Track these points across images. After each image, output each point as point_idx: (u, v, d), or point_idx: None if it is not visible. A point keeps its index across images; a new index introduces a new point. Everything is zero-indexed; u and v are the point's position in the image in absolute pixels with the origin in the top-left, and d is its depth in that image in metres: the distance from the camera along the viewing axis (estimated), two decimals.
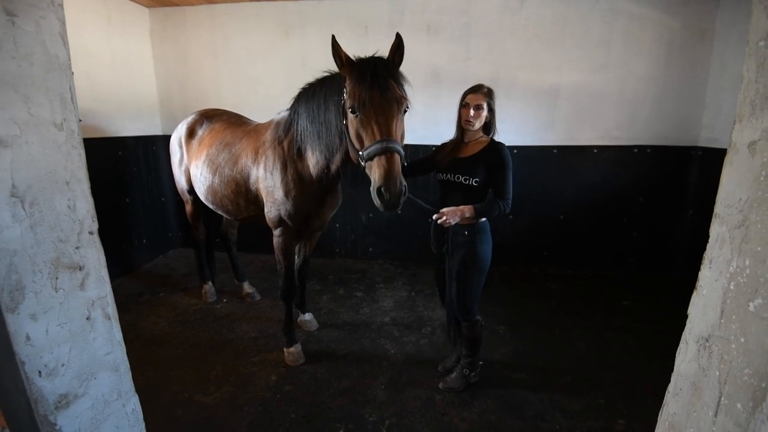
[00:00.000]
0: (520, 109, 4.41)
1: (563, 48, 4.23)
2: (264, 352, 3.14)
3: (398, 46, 2.10)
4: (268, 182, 2.76)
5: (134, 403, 1.35)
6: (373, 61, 2.09)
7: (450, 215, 2.25)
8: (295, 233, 2.87)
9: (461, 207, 2.27)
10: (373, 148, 2.00)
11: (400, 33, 2.10)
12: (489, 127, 2.40)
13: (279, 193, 2.71)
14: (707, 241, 0.96)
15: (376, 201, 2.02)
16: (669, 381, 1.09)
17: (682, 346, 1.03)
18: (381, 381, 2.82)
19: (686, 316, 1.03)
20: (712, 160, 4.15)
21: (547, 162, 4.52)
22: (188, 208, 3.81)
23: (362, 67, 2.07)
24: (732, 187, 0.87)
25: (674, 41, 4.11)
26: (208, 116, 3.53)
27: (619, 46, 4.17)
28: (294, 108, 2.63)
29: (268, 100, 4.69)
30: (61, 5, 1.01)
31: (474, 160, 2.35)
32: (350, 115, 2.12)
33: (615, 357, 3.09)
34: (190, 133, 3.48)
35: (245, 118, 3.59)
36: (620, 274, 4.64)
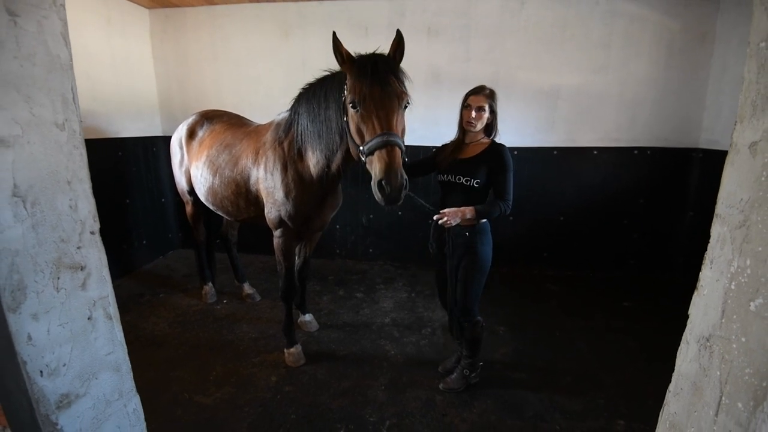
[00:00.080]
0: (520, 111, 4.41)
1: (563, 49, 4.24)
2: (264, 353, 3.14)
3: (399, 43, 2.11)
4: (269, 183, 2.76)
5: (135, 403, 1.35)
6: (374, 58, 2.10)
7: (451, 216, 2.25)
8: (296, 234, 2.87)
9: (462, 208, 2.27)
10: (373, 142, 2.01)
11: (400, 30, 2.11)
12: (490, 128, 2.40)
13: (279, 194, 2.71)
14: (707, 243, 0.96)
15: (377, 195, 2.02)
16: (669, 382, 1.10)
17: (683, 345, 1.03)
18: (381, 382, 2.82)
19: (686, 318, 1.04)
20: (712, 162, 4.15)
21: (547, 163, 4.53)
22: (188, 209, 3.81)
23: (363, 63, 2.08)
24: (733, 187, 0.87)
25: (674, 43, 4.12)
26: (209, 117, 3.53)
27: (619, 48, 4.18)
28: (294, 108, 2.64)
29: (268, 101, 4.70)
30: (63, 5, 1.01)
31: (475, 162, 2.35)
32: (351, 111, 2.12)
33: (615, 358, 3.09)
34: (191, 134, 3.48)
35: (246, 119, 3.60)
36: (620, 276, 4.64)
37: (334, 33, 2.11)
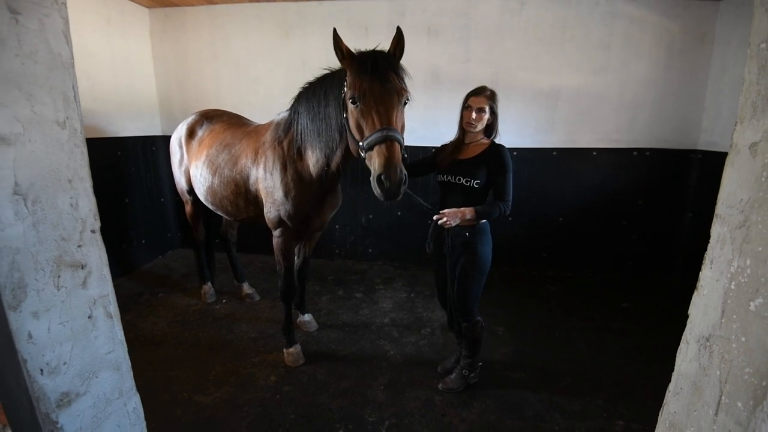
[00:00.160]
0: (520, 111, 4.42)
1: (563, 50, 4.25)
2: (263, 353, 3.14)
3: (399, 40, 2.12)
4: (268, 183, 2.76)
5: (135, 401, 1.35)
6: (375, 54, 2.11)
7: (451, 217, 2.25)
8: (295, 234, 2.87)
9: (462, 209, 2.27)
10: (373, 137, 2.01)
11: (400, 27, 2.12)
12: (491, 129, 2.40)
13: (279, 194, 2.71)
14: (707, 244, 0.97)
15: (376, 190, 2.02)
16: (668, 382, 1.10)
17: (682, 345, 1.03)
18: (380, 382, 2.82)
19: (686, 318, 1.04)
20: (711, 164, 4.16)
21: (546, 164, 4.53)
22: (188, 208, 3.80)
23: (363, 59, 2.08)
24: (733, 187, 0.88)
25: (674, 44, 4.13)
26: (209, 117, 3.53)
27: (619, 49, 4.19)
28: (294, 108, 2.64)
29: (268, 101, 4.69)
30: (64, 4, 1.01)
31: (475, 162, 2.36)
32: (351, 106, 2.13)
33: (614, 358, 3.09)
34: (190, 134, 3.48)
35: (245, 118, 3.60)
36: (619, 277, 4.65)
37: (334, 29, 2.12)
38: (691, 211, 4.42)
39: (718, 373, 0.88)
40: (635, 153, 4.42)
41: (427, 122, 4.47)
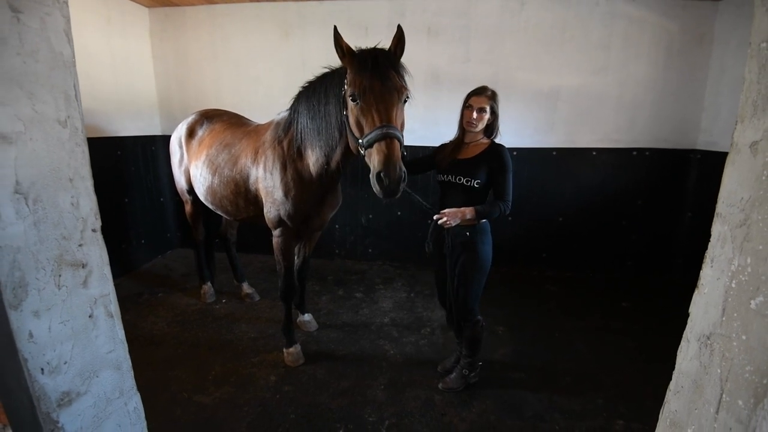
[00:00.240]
0: (520, 111, 4.42)
1: (563, 51, 4.25)
2: (263, 353, 3.14)
3: (399, 38, 2.12)
4: (268, 182, 2.76)
5: (136, 401, 1.34)
6: (375, 52, 2.11)
7: (451, 217, 2.26)
8: (295, 233, 2.87)
9: (462, 209, 2.27)
10: (372, 134, 2.01)
11: (401, 26, 2.12)
12: (491, 129, 2.41)
13: (278, 193, 2.71)
14: (706, 244, 0.97)
15: (375, 187, 2.02)
16: (668, 382, 1.10)
17: (683, 344, 1.03)
18: (380, 381, 2.82)
19: (685, 318, 1.04)
20: (710, 164, 4.17)
21: (546, 164, 4.54)
22: (188, 208, 3.80)
23: (364, 57, 2.09)
24: (734, 186, 0.88)
25: (673, 45, 4.13)
26: (209, 116, 3.53)
27: (619, 50, 4.20)
28: (294, 107, 2.64)
29: (268, 101, 4.69)
30: (66, 2, 1.01)
31: (475, 162, 2.36)
32: (350, 104, 2.13)
33: (614, 358, 3.10)
34: (190, 134, 3.48)
35: (245, 118, 3.60)
36: (619, 277, 4.65)
37: (335, 27, 2.13)
38: (690, 210, 4.42)
39: (718, 371, 0.89)
40: (635, 153, 4.43)
41: (427, 122, 4.47)
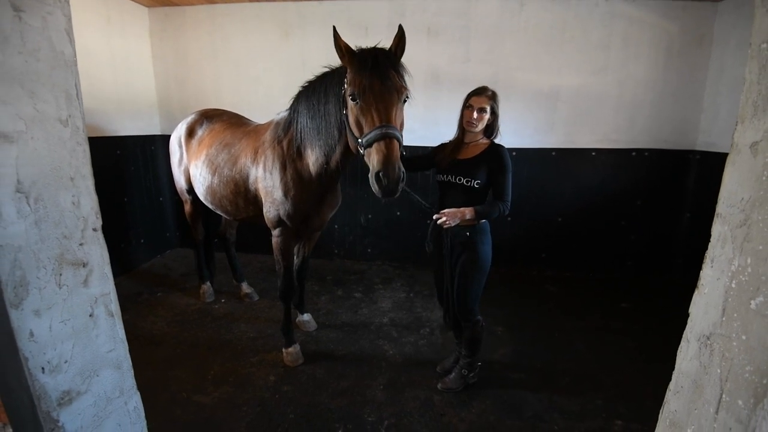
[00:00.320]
0: (520, 111, 4.42)
1: (562, 51, 4.26)
2: (262, 353, 3.13)
3: (400, 38, 2.13)
4: (267, 182, 2.76)
5: (136, 400, 1.35)
6: (375, 51, 2.11)
7: (450, 217, 2.26)
8: (294, 233, 2.87)
9: (462, 209, 2.27)
10: (372, 134, 2.01)
11: (402, 26, 2.12)
12: (491, 129, 2.41)
13: (278, 193, 2.71)
14: (705, 244, 0.97)
15: (374, 187, 2.02)
16: (667, 382, 1.10)
17: (683, 344, 1.04)
18: (380, 381, 2.82)
19: (685, 318, 1.04)
20: (709, 164, 4.18)
21: (546, 164, 4.54)
22: (187, 207, 3.80)
23: (364, 56, 2.09)
24: (734, 186, 0.88)
25: (673, 45, 4.14)
26: (208, 116, 3.53)
27: (618, 50, 4.20)
28: (294, 107, 2.64)
29: (268, 101, 4.69)
30: (67, 1, 1.00)
31: (474, 162, 2.36)
32: (350, 103, 2.13)
33: (613, 358, 3.10)
34: (190, 133, 3.48)
35: (245, 118, 3.59)
36: (618, 277, 4.66)
37: (334, 27, 2.13)
38: (689, 211, 4.43)
39: (718, 371, 0.89)
40: (634, 153, 4.44)
41: (427, 122, 4.47)
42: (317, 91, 2.45)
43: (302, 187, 2.67)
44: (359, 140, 2.10)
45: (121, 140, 4.49)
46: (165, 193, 5.17)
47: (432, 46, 4.40)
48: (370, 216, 4.93)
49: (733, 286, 0.86)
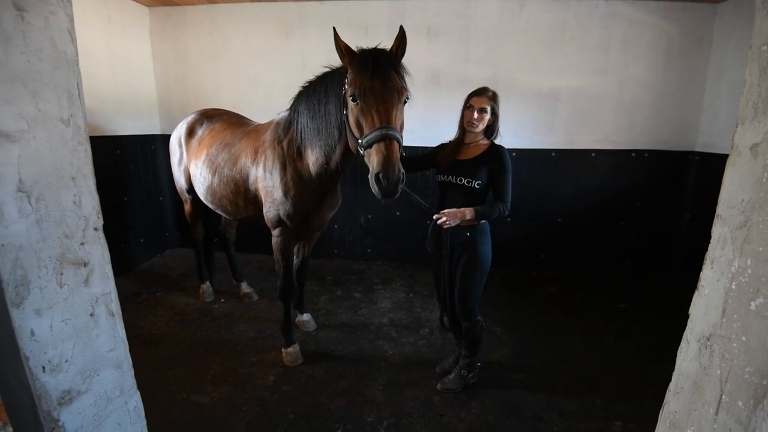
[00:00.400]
0: (520, 112, 4.43)
1: (562, 52, 4.26)
2: (262, 353, 3.13)
3: (401, 39, 2.13)
4: (267, 182, 2.76)
5: (136, 400, 1.34)
6: (376, 52, 2.11)
7: (451, 217, 2.26)
8: (294, 233, 2.87)
9: (462, 209, 2.28)
10: (372, 135, 2.02)
11: (403, 27, 2.12)
12: (491, 130, 2.41)
13: (278, 193, 2.71)
14: (704, 245, 0.97)
15: (374, 188, 2.03)
16: (667, 382, 1.10)
17: (683, 345, 1.04)
18: (379, 382, 2.82)
19: (684, 319, 1.05)
20: (709, 165, 4.18)
21: (545, 165, 4.55)
22: (187, 207, 3.80)
23: (365, 57, 2.09)
24: (734, 188, 0.88)
25: (672, 46, 4.15)
26: (209, 116, 3.53)
27: (618, 51, 4.21)
28: (294, 107, 2.65)
29: (268, 100, 4.69)
30: (69, 1, 1.01)
31: (475, 163, 2.36)
32: (351, 104, 2.13)
33: (612, 359, 3.11)
34: (190, 133, 3.48)
35: (245, 118, 3.59)
36: (618, 278, 4.66)
37: (334, 29, 2.14)
38: (689, 212, 4.44)
39: (718, 372, 0.89)
40: (634, 154, 4.44)
41: (427, 123, 4.47)
42: (318, 92, 2.46)
43: (302, 188, 2.67)
44: (359, 141, 2.11)
45: (121, 140, 4.49)
46: (165, 192, 5.17)
47: (432, 46, 4.41)
48: (369, 216, 4.93)
49: (733, 287, 0.86)
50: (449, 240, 2.44)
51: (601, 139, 4.45)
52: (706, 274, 0.96)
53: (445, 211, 2.28)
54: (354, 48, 2.15)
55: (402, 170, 2.01)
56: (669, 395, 1.09)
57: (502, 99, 2.42)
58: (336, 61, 2.30)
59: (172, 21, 4.78)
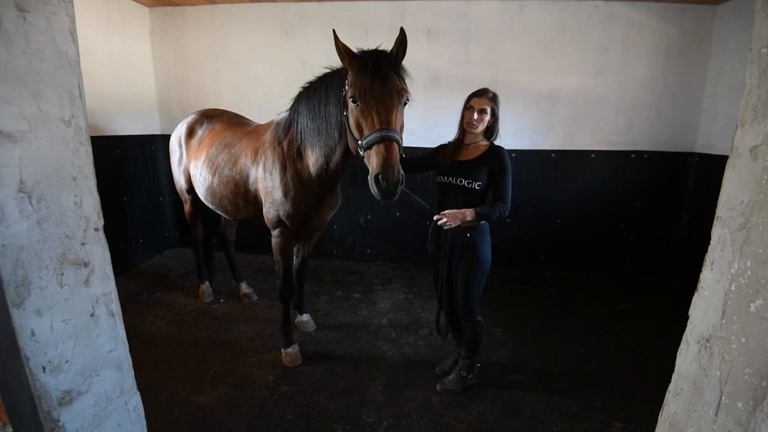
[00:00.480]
0: (519, 113, 4.43)
1: (562, 53, 4.27)
2: (261, 353, 3.13)
3: (402, 41, 2.13)
4: (267, 182, 2.76)
5: (136, 400, 1.35)
6: (376, 53, 2.12)
7: (451, 218, 2.26)
8: (294, 234, 2.87)
9: (463, 210, 2.28)
10: (372, 136, 2.02)
11: (404, 28, 2.12)
12: (491, 131, 2.42)
13: (278, 194, 2.71)
14: (704, 246, 0.98)
15: (373, 189, 2.04)
16: (666, 384, 1.11)
17: (683, 346, 1.04)
18: (378, 382, 2.82)
19: (684, 320, 1.05)
20: (708, 166, 4.19)
21: (545, 166, 4.55)
22: (187, 207, 3.80)
23: (365, 59, 2.09)
24: (734, 190, 0.89)
25: (672, 48, 4.16)
26: (209, 116, 3.53)
27: (618, 52, 4.22)
28: (294, 108, 2.65)
29: (268, 101, 4.70)
30: (71, 2, 1.01)
31: (475, 164, 2.37)
32: (351, 105, 2.14)
33: (612, 360, 3.11)
34: (190, 133, 3.48)
35: (245, 118, 3.60)
36: (617, 278, 4.67)
37: (333, 31, 2.14)
38: (688, 213, 4.44)
39: (718, 373, 0.89)
40: (633, 155, 4.45)
41: (427, 123, 4.48)
42: (318, 92, 2.46)
43: (302, 188, 2.67)
44: (359, 142, 2.11)
45: (121, 140, 4.49)
46: (164, 192, 5.16)
47: (432, 47, 4.41)
48: (369, 217, 4.93)
49: (733, 288, 0.87)
50: (449, 241, 2.44)
51: (601, 140, 4.46)
52: (706, 276, 0.96)
53: (446, 212, 2.29)
54: (354, 49, 2.15)
55: (401, 172, 2.02)
56: (669, 396, 1.09)
57: (501, 100, 2.43)
58: (336, 62, 2.31)
59: (172, 21, 4.78)
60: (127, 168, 4.62)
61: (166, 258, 5.13)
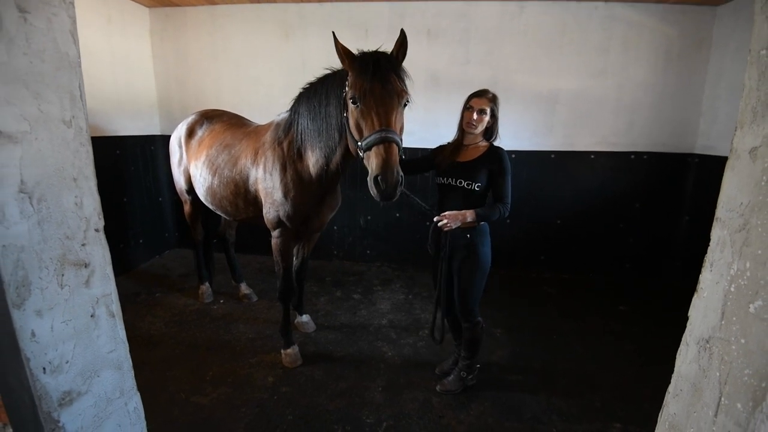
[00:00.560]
0: (519, 114, 4.44)
1: (562, 54, 4.27)
2: (261, 354, 3.13)
3: (402, 43, 2.13)
4: (267, 183, 2.76)
5: (136, 401, 1.35)
6: (377, 55, 2.12)
7: (451, 219, 2.27)
8: (294, 234, 2.87)
9: (463, 211, 2.28)
10: (371, 138, 2.03)
11: (404, 29, 2.12)
12: (491, 132, 2.42)
13: (278, 194, 2.72)
14: (703, 248, 0.98)
15: (373, 191, 2.04)
16: (666, 385, 1.11)
17: (682, 347, 1.04)
18: (378, 383, 2.82)
19: (683, 321, 1.05)
20: (708, 168, 4.19)
21: (545, 167, 4.55)
22: (187, 208, 3.80)
23: (365, 60, 2.10)
24: (733, 191, 0.89)
25: (672, 49, 4.16)
26: (209, 117, 3.53)
27: (618, 53, 4.22)
28: (294, 108, 2.65)
29: (268, 101, 4.70)
30: (72, 3, 1.01)
31: (474, 165, 2.37)
32: (351, 106, 2.14)
33: (612, 361, 3.11)
34: (190, 134, 3.48)
35: (245, 119, 3.60)
36: (617, 279, 4.67)
37: (333, 33, 2.15)
38: (687, 214, 4.45)
39: (717, 374, 0.89)
40: (633, 156, 4.45)
41: (427, 124, 4.48)
42: (318, 93, 2.46)
43: (302, 189, 2.67)
44: (359, 143, 2.12)
45: (120, 140, 4.49)
46: (164, 193, 5.16)
47: (432, 47, 4.42)
48: (369, 217, 4.93)
49: (732, 290, 0.87)
50: (449, 242, 2.44)
51: (601, 141, 4.46)
52: (705, 277, 0.96)
53: (446, 213, 2.29)
54: (354, 51, 2.16)
55: (401, 173, 2.02)
56: (668, 397, 1.09)
57: (501, 101, 2.43)
58: (336, 63, 2.31)
59: (172, 21, 4.79)
60: (127, 168, 4.62)
61: (166, 258, 5.13)
